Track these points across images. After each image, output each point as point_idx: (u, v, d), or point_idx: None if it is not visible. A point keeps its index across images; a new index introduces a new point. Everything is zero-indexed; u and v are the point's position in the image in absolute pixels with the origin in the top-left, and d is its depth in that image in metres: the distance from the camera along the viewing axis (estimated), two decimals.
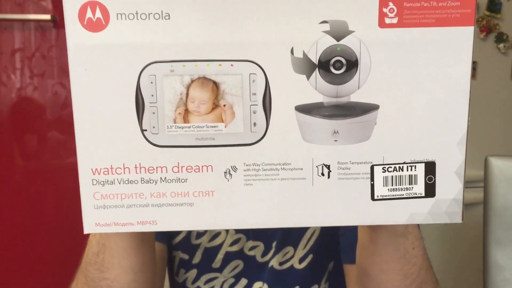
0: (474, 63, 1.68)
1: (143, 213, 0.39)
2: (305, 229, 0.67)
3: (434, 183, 0.39)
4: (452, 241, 1.69)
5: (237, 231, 0.68)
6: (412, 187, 0.39)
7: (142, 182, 0.38)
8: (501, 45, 1.66)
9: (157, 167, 0.38)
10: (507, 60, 1.68)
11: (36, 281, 1.40)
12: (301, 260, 0.67)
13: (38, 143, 1.36)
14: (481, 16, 1.66)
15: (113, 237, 0.46)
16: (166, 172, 0.38)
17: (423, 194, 0.39)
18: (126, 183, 0.38)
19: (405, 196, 0.39)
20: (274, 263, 0.67)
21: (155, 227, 0.39)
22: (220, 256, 0.68)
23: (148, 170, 0.38)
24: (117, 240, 0.46)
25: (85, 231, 0.39)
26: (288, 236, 0.67)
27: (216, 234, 0.68)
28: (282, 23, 0.36)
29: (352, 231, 0.64)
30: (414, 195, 0.39)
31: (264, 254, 0.68)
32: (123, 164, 0.38)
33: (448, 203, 0.39)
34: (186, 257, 0.69)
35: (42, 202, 1.38)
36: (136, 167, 0.38)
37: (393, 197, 0.39)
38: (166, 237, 0.68)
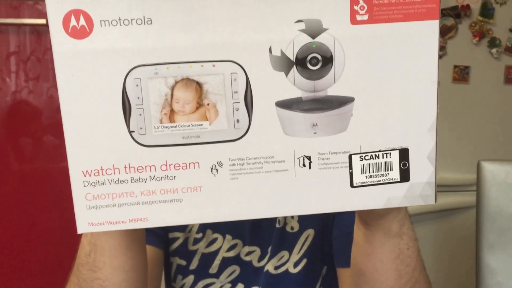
0: (467, 67, 1.72)
1: (134, 211, 0.40)
2: (299, 233, 0.68)
3: (408, 169, 0.42)
4: (444, 244, 1.71)
5: (234, 236, 0.68)
6: (388, 173, 0.41)
7: (132, 181, 0.40)
8: (494, 50, 1.69)
9: (146, 166, 0.40)
10: (500, 65, 1.70)
11: (31, 283, 1.39)
12: (295, 265, 0.68)
13: (33, 146, 1.35)
14: (474, 21, 1.68)
15: (103, 236, 0.47)
16: (155, 171, 0.40)
17: (399, 179, 0.42)
18: (117, 183, 0.40)
19: (382, 182, 0.42)
20: (269, 267, 0.68)
21: (146, 223, 0.41)
22: (217, 261, 0.68)
23: (137, 169, 0.40)
24: (108, 239, 0.47)
25: (79, 231, 0.40)
26: (284, 240, 0.68)
27: (213, 240, 0.69)
28: (260, 24, 0.38)
29: (345, 234, 0.65)
30: (390, 181, 0.42)
31: (260, 259, 0.69)
32: (113, 165, 0.39)
33: (422, 186, 0.42)
34: (183, 263, 0.69)
35: (37, 206, 1.37)
36: (125, 167, 0.40)
37: (371, 183, 0.41)
38: (163, 243, 0.68)
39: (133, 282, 0.50)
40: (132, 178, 0.40)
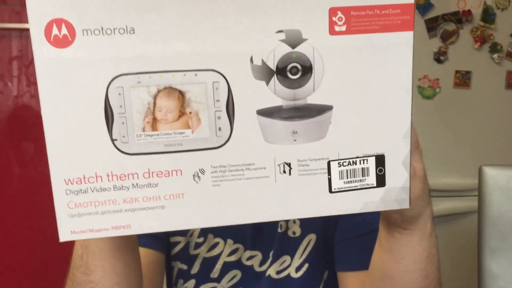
0: (468, 72, 1.73)
1: (116, 219, 0.41)
2: (301, 238, 0.68)
3: (384, 174, 0.42)
4: (446, 248, 1.71)
5: (235, 241, 0.69)
6: (365, 179, 0.42)
7: (115, 189, 0.40)
8: (495, 55, 1.71)
9: (128, 174, 0.40)
10: (501, 70, 1.72)
11: (31, 285, 1.40)
12: (297, 269, 0.68)
13: (35, 150, 1.36)
14: (475, 27, 1.70)
15: (94, 239, 0.47)
16: (138, 178, 0.40)
17: (375, 185, 0.43)
18: (99, 191, 0.40)
19: (359, 187, 0.42)
20: (271, 272, 0.68)
21: (129, 231, 0.41)
22: (218, 266, 0.68)
23: (120, 177, 0.40)
24: (98, 242, 0.48)
25: (61, 239, 0.40)
26: (285, 245, 0.68)
27: (215, 244, 0.69)
28: (241, 34, 0.39)
29: (348, 239, 0.66)
30: (367, 186, 0.43)
31: (261, 263, 0.69)
32: (95, 173, 0.40)
33: (397, 191, 0.43)
34: (184, 267, 0.69)
35: (38, 209, 1.38)
36: (108, 175, 0.40)
37: (349, 189, 0.42)
38: (165, 247, 0.68)
39: (126, 285, 0.50)
40: (114, 186, 0.40)
